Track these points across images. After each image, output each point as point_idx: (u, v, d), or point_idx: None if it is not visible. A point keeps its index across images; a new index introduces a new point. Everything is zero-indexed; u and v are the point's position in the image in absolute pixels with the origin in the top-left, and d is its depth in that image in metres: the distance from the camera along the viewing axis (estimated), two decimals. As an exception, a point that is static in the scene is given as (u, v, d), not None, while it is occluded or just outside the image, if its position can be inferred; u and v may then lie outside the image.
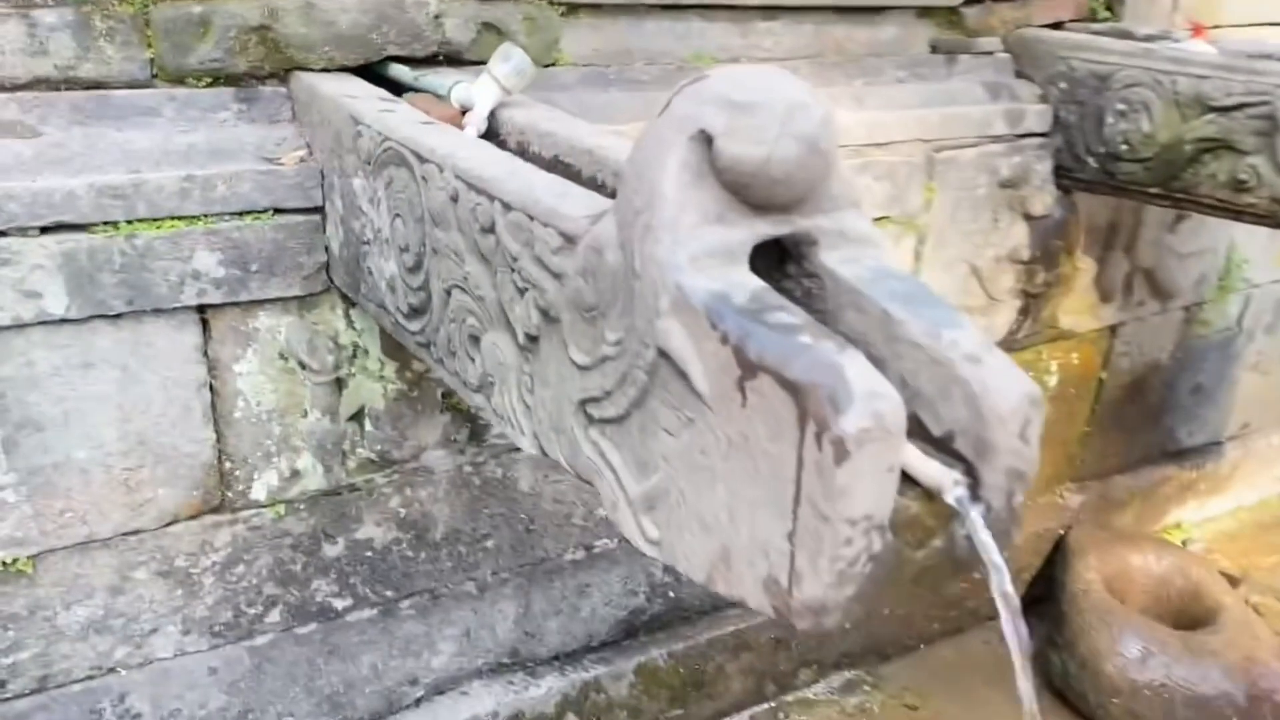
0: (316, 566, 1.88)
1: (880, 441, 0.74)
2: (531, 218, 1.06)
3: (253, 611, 1.84)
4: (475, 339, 1.22)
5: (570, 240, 1.00)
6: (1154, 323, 2.84)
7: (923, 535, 0.82)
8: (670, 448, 0.90)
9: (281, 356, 1.69)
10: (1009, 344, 2.57)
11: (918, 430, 0.86)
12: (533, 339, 1.09)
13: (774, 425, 0.78)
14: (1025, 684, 0.84)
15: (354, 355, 1.75)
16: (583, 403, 1.00)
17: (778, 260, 0.97)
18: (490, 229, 1.14)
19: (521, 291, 1.10)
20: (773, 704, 2.52)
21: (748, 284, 0.86)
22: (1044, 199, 2.41)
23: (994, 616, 2.53)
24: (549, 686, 2.18)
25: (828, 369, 0.75)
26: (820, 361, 0.76)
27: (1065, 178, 2.39)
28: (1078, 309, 2.64)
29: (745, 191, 0.87)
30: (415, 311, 1.37)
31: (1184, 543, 3.15)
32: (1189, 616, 2.60)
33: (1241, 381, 3.16)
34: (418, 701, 2.09)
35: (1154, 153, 2.16)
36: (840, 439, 0.73)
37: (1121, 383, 2.87)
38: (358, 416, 1.78)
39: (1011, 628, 0.82)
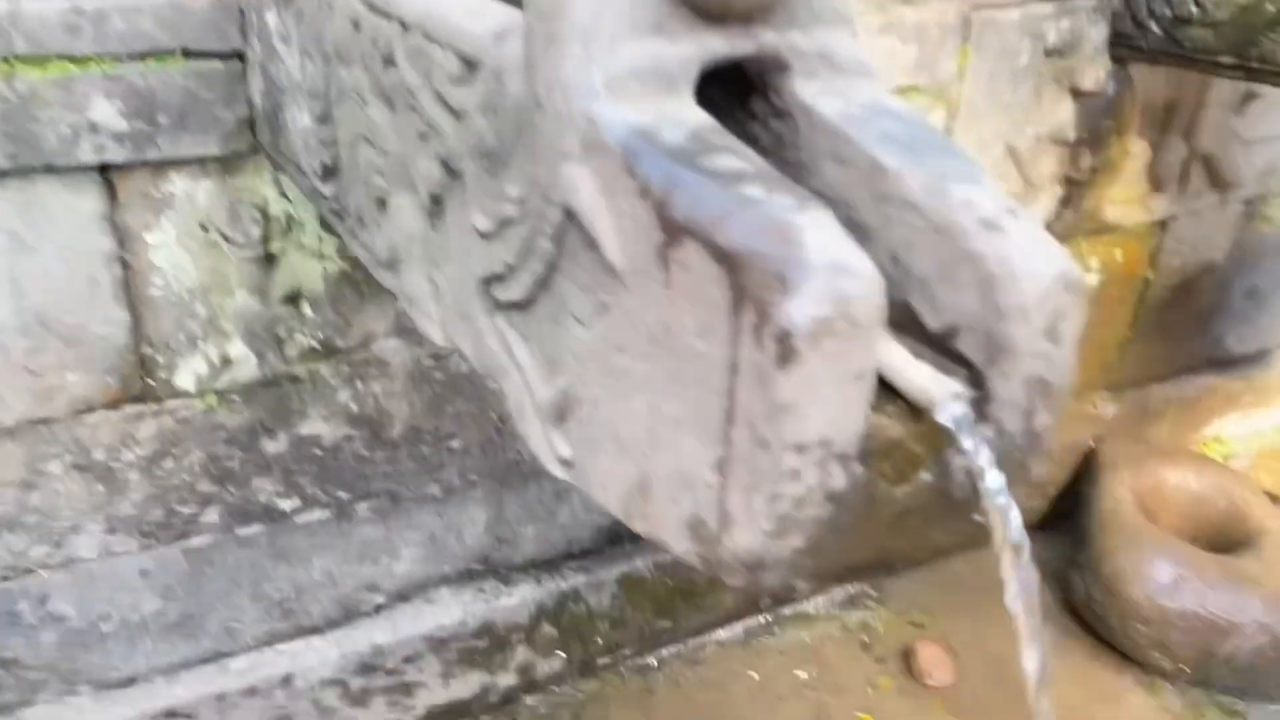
0: (257, 464, 1.69)
1: (845, 337, 0.51)
2: (431, 39, 0.82)
3: (186, 511, 1.67)
4: (382, 202, 0.99)
5: (472, 66, 0.76)
6: (1210, 217, 2.55)
7: (907, 466, 0.60)
8: (582, 342, 0.68)
9: (203, 227, 1.48)
10: (1046, 236, 2.30)
11: (911, 325, 0.63)
12: (436, 200, 0.86)
13: (703, 313, 0.56)
14: (1033, 658, 0.63)
15: (288, 229, 1.53)
16: (486, 282, 0.78)
17: (740, 96, 0.74)
18: (391, 60, 0.90)
19: (423, 139, 0.86)
20: (768, 617, 2.35)
21: (687, 119, 0.63)
22: (1095, 71, 2.11)
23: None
24: (523, 596, 2.02)
25: (775, 233, 0.53)
26: (766, 222, 0.53)
27: (1122, 46, 2.08)
28: (1126, 199, 2.36)
29: (687, -13, 0.63)
30: (328, 172, 1.14)
31: (1225, 458, 2.92)
32: (1228, 539, 2.39)
33: (1302, 285, 2.87)
34: (378, 609, 1.94)
35: (1230, 14, 1.85)
36: (786, 333, 0.51)
37: (1169, 283, 2.60)
38: (294, 299, 1.57)
39: (1021, 592, 0.60)
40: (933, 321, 0.61)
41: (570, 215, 0.65)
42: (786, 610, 2.38)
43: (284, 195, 1.50)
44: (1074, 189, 2.25)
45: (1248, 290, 2.77)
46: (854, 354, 0.52)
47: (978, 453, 0.56)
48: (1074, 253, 2.35)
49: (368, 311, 1.63)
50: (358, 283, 1.60)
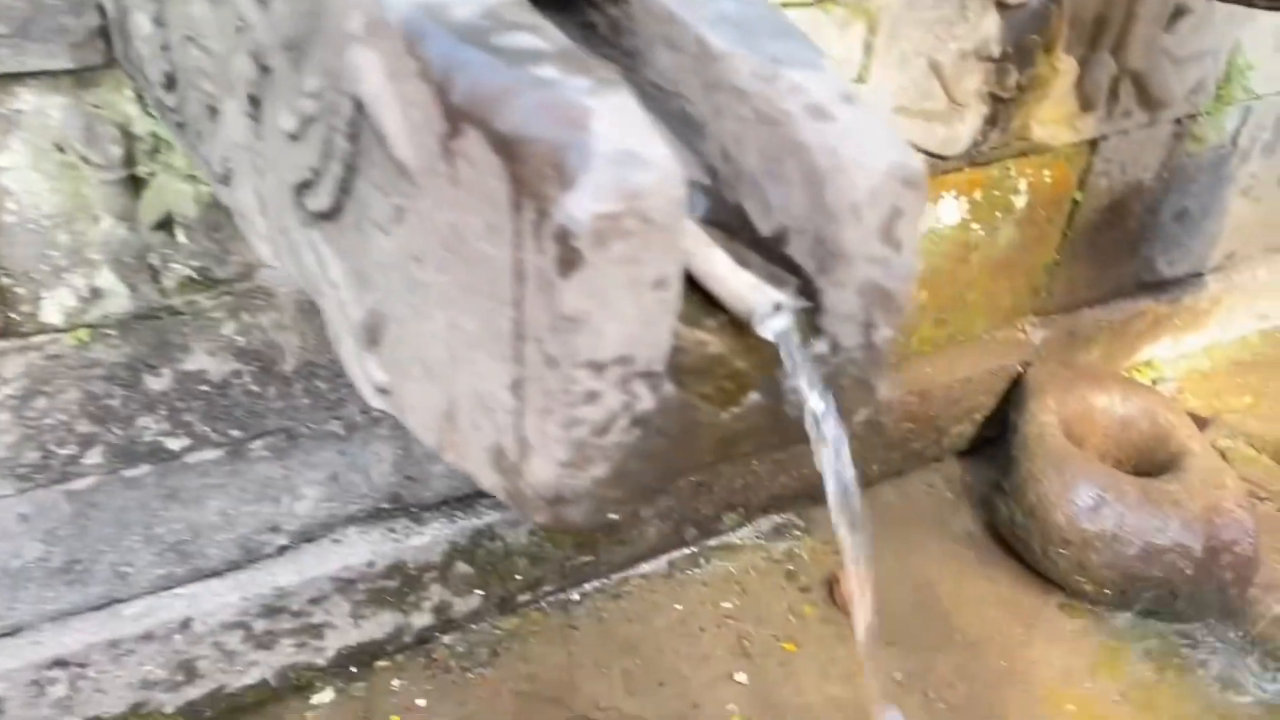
0: (140, 402, 1.60)
1: (638, 237, 0.45)
2: (231, -82, 0.73)
3: (65, 452, 1.58)
4: (212, 110, 0.90)
5: (269, -55, 0.68)
6: (1139, 137, 2.51)
7: (732, 387, 0.53)
8: (385, 253, 0.60)
9: (58, 148, 1.36)
10: (972, 157, 2.24)
11: (743, 229, 0.56)
12: (255, 102, 0.78)
13: (488, 212, 0.49)
14: (862, 608, 0.58)
15: (154, 149, 1.42)
16: (297, 191, 0.70)
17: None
18: (203, -54, 0.80)
19: (239, 32, 0.77)
20: (693, 549, 2.32)
21: (485, -5, 0.55)
22: (1022, -18, 2.04)
23: (940, 458, 2.29)
24: (435, 534, 1.96)
25: (560, 116, 0.45)
26: (552, 105, 0.46)
27: (1048, -44, 2.01)
28: (1054, 118, 2.31)
29: None
30: (170, 81, 1.04)
31: (1155, 382, 2.92)
32: (1153, 462, 2.39)
33: (1231, 207, 2.85)
34: (281, 550, 1.87)
35: (1155, -81, 1.79)
36: (565, 232, 0.44)
37: (1098, 205, 2.56)
38: (165, 225, 1.47)
39: (846, 530, 0.55)
40: (764, 225, 0.55)
41: (361, 107, 0.57)
42: (711, 541, 2.35)
43: (147, 113, 1.39)
44: (1000, 107, 2.18)
45: (1177, 213, 2.74)
46: (650, 257, 0.45)
47: (801, 370, 0.50)
48: (1002, 174, 2.30)
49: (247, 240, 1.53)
50: (234, 207, 1.49)
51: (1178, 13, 2.33)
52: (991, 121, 2.20)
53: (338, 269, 0.68)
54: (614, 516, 0.52)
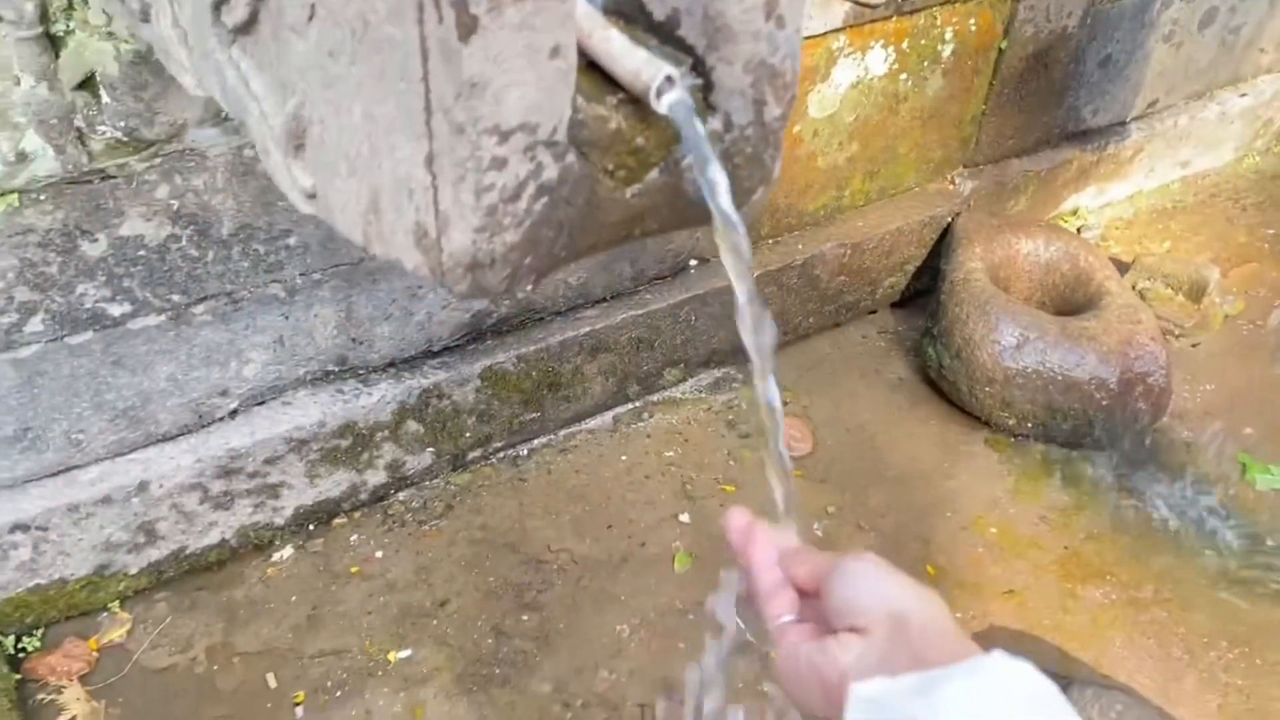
0: (78, 268, 1.61)
1: (531, 3, 0.48)
2: None
3: (7, 320, 1.59)
4: (124, -56, 0.90)
5: None
6: (1064, -17, 2.54)
7: (634, 164, 0.58)
8: (302, 55, 0.63)
9: (-31, 5, 1.34)
10: (898, 5, 2.26)
11: (639, 15, 0.60)
12: (166, -73, 0.79)
13: (393, -6, 0.52)
14: (770, 402, 0.65)
15: (69, 6, 1.40)
16: (215, 8, 0.72)
17: None
18: None
19: None
20: (636, 404, 2.40)
21: None
22: None
23: (874, 310, 2.37)
24: (383, 394, 2.01)
25: (454, -108, 0.48)
26: (446, -118, 0.49)
27: None
28: (979, -36, 2.32)
29: None
30: (78, -79, 1.03)
31: (1079, 230, 3.02)
32: (1074, 303, 2.49)
33: (1154, 54, 2.91)
34: (233, 414, 1.91)
35: None
36: (463, -1, 0.47)
37: (1023, 54, 2.60)
38: (88, 85, 1.46)
39: (747, 313, 0.60)
40: (658, 10, 0.58)
41: (268, -92, 0.59)
42: (654, 396, 2.43)
43: (59, -33, 1.37)
44: (925, -47, 2.19)
45: (1102, 60, 2.79)
46: (544, 23, 0.49)
47: (694, 140, 0.54)
48: (929, 23, 2.33)
49: (173, 98, 1.53)
50: (158, 65, 1.48)
51: None
52: (917, -32, 2.21)
53: (258, 81, 0.71)
54: (529, 287, 0.57)
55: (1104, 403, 2.27)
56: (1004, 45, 2.53)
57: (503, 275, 0.55)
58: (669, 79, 0.54)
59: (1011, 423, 2.34)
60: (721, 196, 0.56)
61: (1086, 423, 2.29)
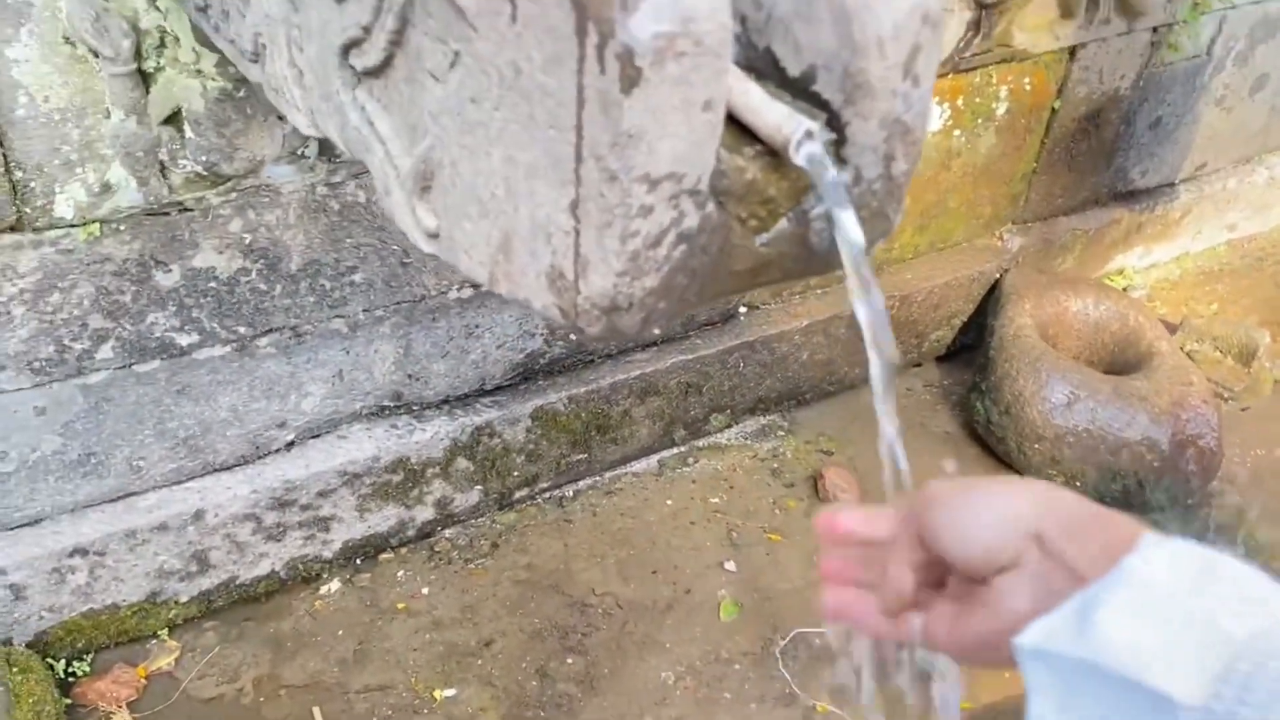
0: (151, 297, 1.65)
1: (690, 59, 0.50)
2: None
3: (79, 346, 1.62)
4: (243, -12, 0.94)
5: None
6: (1117, 45, 2.56)
7: (764, 214, 0.59)
8: (438, 100, 0.65)
9: (67, 41, 1.39)
10: (955, 63, 2.29)
11: (772, 71, 0.62)
12: (294, -27, 0.82)
13: (549, 43, 0.54)
14: (887, 418, 0.64)
15: (161, 44, 1.44)
16: (345, 50, 0.75)
17: None
18: None
19: (276, -94, 0.81)
20: (682, 449, 2.41)
21: None
22: (1007, -114, 2.06)
23: (920, 363, 2.37)
24: (436, 431, 2.03)
25: (620, -50, 0.50)
26: (611, -59, 0.51)
27: None
28: (1035, 25, 2.35)
29: None
30: (190, -36, 1.07)
31: (1126, 289, 3.01)
32: (1123, 362, 2.49)
33: (1204, 117, 2.92)
34: (289, 446, 1.93)
35: None
36: (629, 51, 0.49)
37: (1076, 114, 2.62)
38: (174, 120, 1.50)
39: (873, 345, 0.61)
40: (793, 66, 0.60)
41: (419, -40, 0.61)
42: (700, 442, 2.43)
43: (155, 6, 1.41)
44: (984, 12, 2.22)
45: (1152, 122, 2.80)
46: (700, 79, 0.51)
47: (831, 193, 0.56)
48: (984, 81, 2.35)
49: (253, 135, 1.56)
50: (241, 103, 1.52)
51: (1158, -81, 2.36)
52: (975, 27, 2.24)
53: (386, 123, 0.73)
54: (657, 330, 0.58)
55: (1155, 464, 2.25)
56: (1057, 105, 2.55)
57: (638, 319, 0.57)
58: (809, 133, 0.56)
59: (1060, 481, 2.32)
60: (855, 245, 0.58)
61: (1137, 483, 2.27)
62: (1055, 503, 0.56)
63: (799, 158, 0.56)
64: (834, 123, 0.59)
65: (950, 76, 2.32)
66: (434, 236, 0.71)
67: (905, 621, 0.62)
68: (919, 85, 0.58)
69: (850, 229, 0.56)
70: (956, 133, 2.43)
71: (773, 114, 0.56)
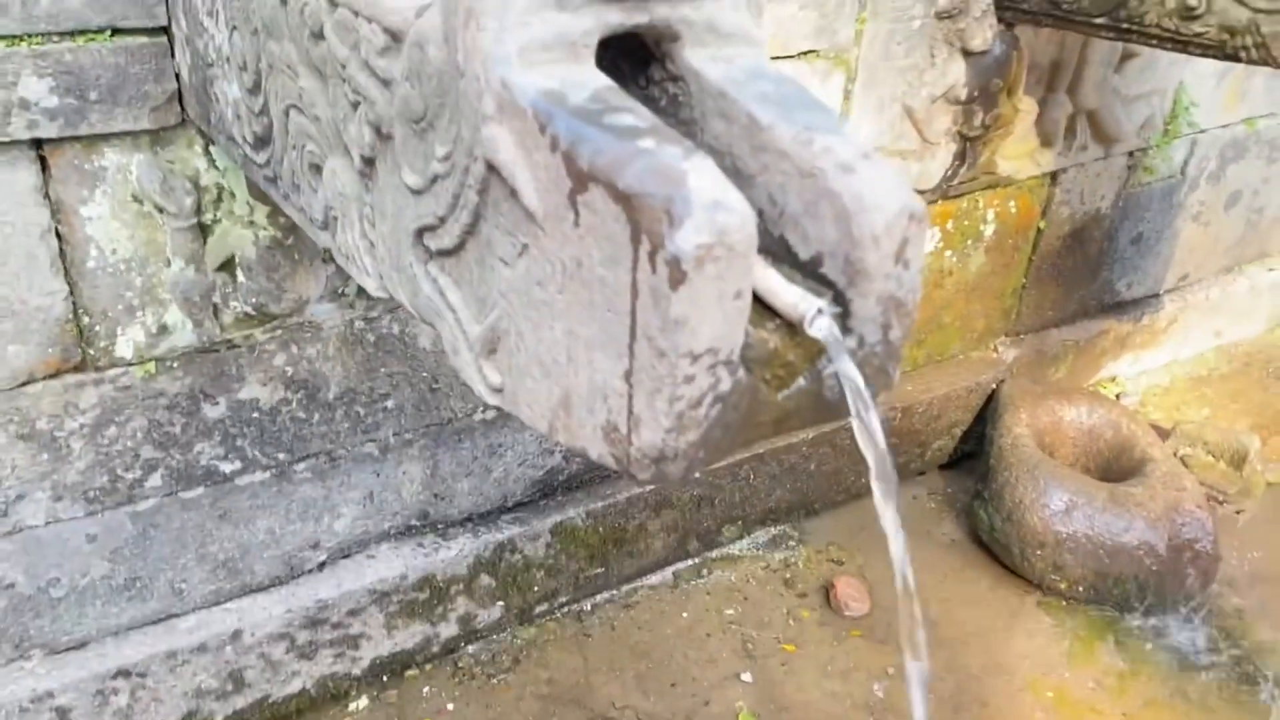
0: (198, 428, 1.76)
1: (724, 261, 0.62)
2: (357, 14, 0.90)
3: (131, 476, 1.73)
4: (316, 168, 1.07)
5: (396, 38, 0.85)
6: (1096, 169, 2.73)
7: (784, 374, 0.71)
8: (507, 281, 0.77)
9: (135, 199, 1.53)
10: (944, 190, 2.45)
11: (785, 255, 0.74)
12: (369, 162, 0.95)
13: (608, 246, 0.66)
14: (896, 543, 0.75)
15: (219, 199, 1.59)
16: (419, 233, 0.87)
17: (643, 64, 0.83)
18: (320, 34, 0.98)
19: (354, 106, 0.95)
20: (696, 560, 2.49)
21: (589, 82, 0.73)
22: (984, 32, 2.25)
23: (923, 471, 2.47)
24: (461, 548, 2.11)
25: (665, 177, 0.63)
26: (658, 168, 0.64)
27: (1007, 8, 2.23)
28: (1017, 154, 2.52)
29: (585, -33, 0.73)
30: (260, 141, 1.21)
31: (1118, 396, 3.12)
32: (1118, 469, 2.58)
33: (1183, 232, 3.08)
34: (321, 566, 2.02)
35: (1100, -22, 2.00)
36: (676, 258, 0.61)
37: (1060, 233, 2.78)
38: (228, 266, 1.63)
39: (880, 481, 0.72)
40: (803, 252, 0.72)
41: (492, 169, 0.74)
42: (713, 553, 2.51)
43: (214, 166, 1.56)
44: (969, 145, 2.39)
45: (1133, 238, 2.96)
46: (732, 275, 0.63)
47: (841, 359, 0.67)
48: (971, 206, 2.51)
49: (299, 277, 1.70)
50: (289, 249, 1.66)
51: (1126, 56, 2.55)
52: (960, 158, 2.40)
53: (456, 295, 0.85)
54: (697, 474, 0.69)
55: (1153, 568, 2.33)
56: (1042, 225, 2.70)
57: (682, 466, 0.67)
58: (820, 310, 0.67)
59: (1063, 586, 2.40)
60: (861, 399, 0.69)
61: (1138, 586, 2.35)
62: None
63: (813, 330, 0.68)
64: (839, 299, 0.71)
65: (939, 202, 2.48)
66: (497, 391, 0.82)
67: None
68: (909, 269, 0.70)
69: (857, 385, 0.67)
70: (948, 253, 2.58)
71: (789, 295, 0.68)
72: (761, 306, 0.70)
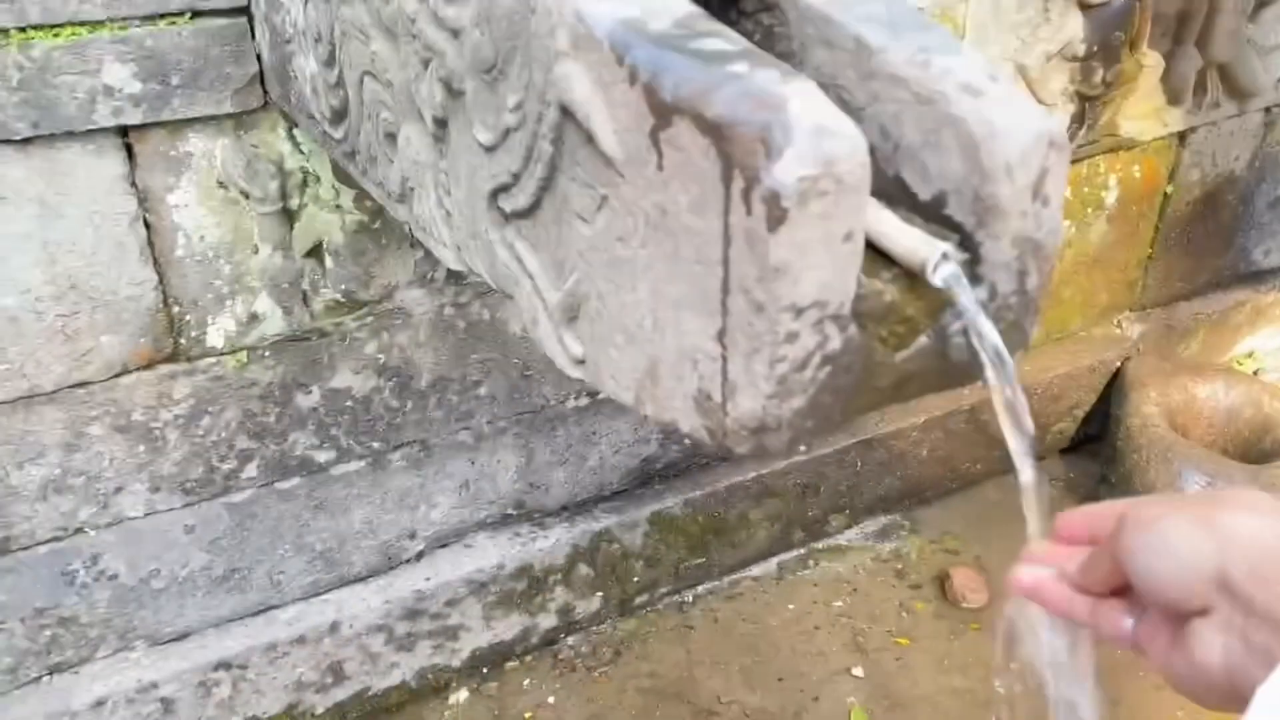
0: (292, 418, 1.74)
1: (832, 197, 0.53)
2: (424, -37, 0.84)
3: (227, 467, 1.72)
4: (391, 136, 1.01)
5: (464, -17, 0.78)
6: (1229, 128, 2.52)
7: (904, 331, 0.61)
8: (586, 239, 0.70)
9: (221, 185, 1.51)
10: (1061, 155, 2.29)
11: (904, 197, 0.65)
12: (441, 124, 0.88)
13: (695, 188, 0.58)
14: (1033, 514, 0.65)
15: (304, 183, 1.56)
16: (493, 194, 0.80)
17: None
18: (389, -10, 0.92)
19: (425, 64, 0.88)
20: (801, 551, 2.38)
21: (672, 8, 0.65)
22: (1104, -18, 2.09)
23: (1043, 456, 2.33)
24: (558, 538, 2.06)
25: (760, 102, 0.54)
26: (752, 93, 0.55)
27: (1129, -45, 2.06)
28: (1142, 113, 2.34)
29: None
30: (337, 115, 1.16)
31: (1256, 373, 2.90)
32: (1260, 450, 2.39)
33: (1327, 194, 2.83)
34: (418, 556, 1.99)
35: (1236, -88, 1.83)
36: (774, 194, 0.53)
37: (1190, 198, 2.58)
38: (315, 252, 1.60)
39: (1019, 448, 0.62)
40: (923, 191, 0.63)
41: (566, 113, 0.67)
42: (819, 544, 2.41)
43: (298, 150, 1.53)
44: (1088, 105, 2.23)
45: (1271, 201, 2.74)
46: (842, 214, 0.54)
47: (972, 312, 0.58)
48: (1092, 171, 2.35)
49: (388, 263, 1.66)
50: (376, 233, 1.62)
51: (1261, 3, 2.35)
52: (1079, 119, 2.24)
53: (533, 260, 0.78)
54: (803, 447, 0.60)
55: (1305, 556, 2.14)
56: (1170, 190, 2.52)
57: (786, 438, 0.59)
58: (945, 255, 0.58)
59: (1202, 576, 2.22)
60: (997, 358, 0.60)
61: None
62: (1241, 536, 0.51)
63: (937, 279, 0.58)
64: (967, 243, 0.61)
65: (1057, 168, 2.32)
66: (580, 362, 0.75)
67: (1110, 615, 0.59)
68: (1049, 205, 0.60)
69: (993, 342, 0.58)
70: (1067, 223, 2.42)
71: (908, 239, 0.59)
72: (876, 253, 0.61)
